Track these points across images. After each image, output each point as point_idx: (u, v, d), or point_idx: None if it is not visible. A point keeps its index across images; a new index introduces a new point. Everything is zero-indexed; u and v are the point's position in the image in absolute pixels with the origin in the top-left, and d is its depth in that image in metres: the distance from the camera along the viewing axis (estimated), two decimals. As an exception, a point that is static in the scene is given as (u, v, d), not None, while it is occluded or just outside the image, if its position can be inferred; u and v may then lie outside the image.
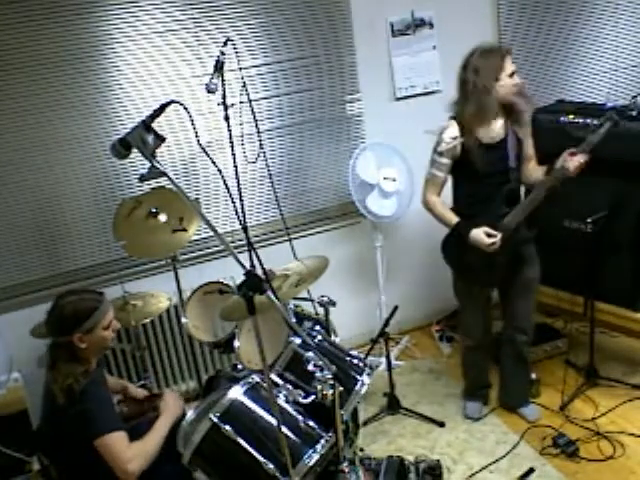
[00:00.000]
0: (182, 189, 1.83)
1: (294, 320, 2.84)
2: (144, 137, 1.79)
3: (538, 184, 2.84)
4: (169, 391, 2.64)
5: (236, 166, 2.97)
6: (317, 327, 2.77)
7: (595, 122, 2.72)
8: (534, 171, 2.95)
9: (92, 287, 3.34)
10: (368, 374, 2.55)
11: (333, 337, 2.99)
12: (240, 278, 1.81)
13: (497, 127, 2.85)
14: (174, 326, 3.57)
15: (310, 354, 2.34)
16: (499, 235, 2.84)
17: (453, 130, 2.85)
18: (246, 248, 2.91)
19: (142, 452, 2.20)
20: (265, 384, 2.07)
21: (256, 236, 3.66)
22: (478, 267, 2.94)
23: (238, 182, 3.00)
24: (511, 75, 2.76)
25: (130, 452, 2.16)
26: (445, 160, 2.89)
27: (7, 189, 3.20)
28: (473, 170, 2.84)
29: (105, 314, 2.28)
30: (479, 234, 2.84)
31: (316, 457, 2.19)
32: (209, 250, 3.62)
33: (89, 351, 2.25)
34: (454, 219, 2.91)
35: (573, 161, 2.70)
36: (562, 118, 3.34)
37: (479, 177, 2.86)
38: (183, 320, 3.04)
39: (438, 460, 2.89)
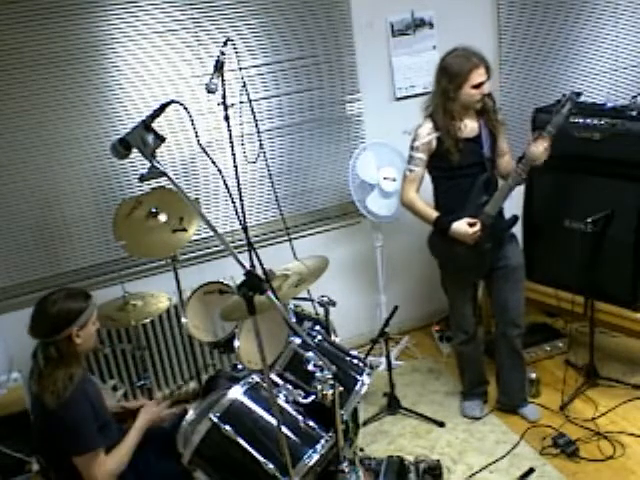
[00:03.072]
0: (182, 189, 1.83)
1: (294, 320, 2.84)
2: (144, 137, 1.79)
3: (512, 173, 2.93)
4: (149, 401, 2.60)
5: (236, 166, 2.98)
6: (317, 327, 2.77)
7: (559, 104, 2.85)
8: (508, 165, 3.08)
9: (92, 287, 3.36)
10: (368, 374, 2.55)
11: (333, 337, 2.99)
12: (240, 278, 1.81)
13: (471, 124, 2.95)
14: (174, 326, 3.57)
15: (310, 354, 2.34)
16: (479, 224, 2.92)
17: (428, 126, 2.96)
18: (246, 248, 2.91)
19: (115, 465, 2.26)
20: (265, 384, 2.07)
21: (256, 236, 3.66)
22: (467, 257, 2.98)
23: (238, 182, 3.00)
24: (477, 86, 2.84)
25: (103, 471, 2.21)
26: (421, 155, 2.98)
27: (7, 189, 3.20)
28: (449, 163, 2.93)
29: (94, 308, 2.31)
30: (461, 226, 2.92)
31: (316, 457, 2.19)
32: (209, 250, 3.62)
33: (82, 347, 2.26)
34: (434, 214, 3.00)
35: (537, 148, 2.82)
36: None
37: (456, 169, 2.94)
38: (183, 320, 3.04)
39: (438, 460, 2.89)
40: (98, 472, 2.21)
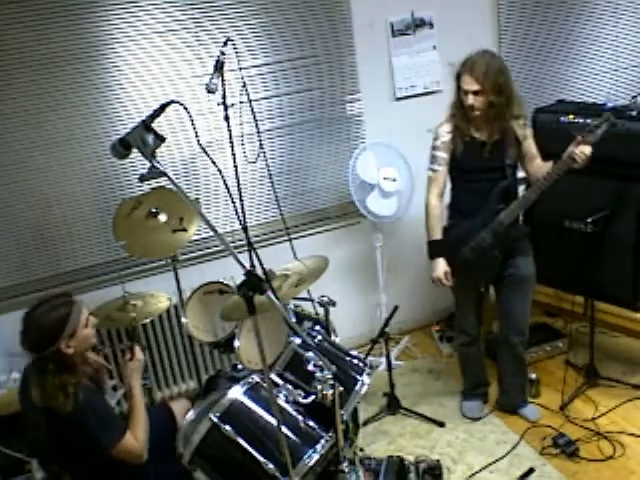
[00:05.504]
0: (182, 189, 1.83)
1: (294, 320, 2.84)
2: (144, 137, 1.79)
3: (536, 181, 2.87)
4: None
5: (236, 166, 2.98)
6: (317, 327, 2.77)
7: (594, 122, 2.74)
8: (539, 168, 2.95)
9: (92, 287, 3.36)
10: (368, 374, 2.55)
11: (333, 337, 2.99)
12: (240, 278, 1.81)
13: (491, 128, 2.89)
14: (174, 326, 3.57)
15: (310, 354, 2.34)
16: (449, 283, 3.00)
17: (447, 125, 2.95)
18: (246, 248, 2.91)
19: (143, 435, 2.29)
20: (265, 384, 2.07)
21: (256, 236, 3.65)
22: (474, 261, 2.97)
23: (238, 182, 3.00)
24: (465, 93, 2.81)
25: (138, 444, 2.25)
26: (442, 154, 2.97)
27: (7, 189, 3.20)
28: (468, 166, 2.92)
29: (80, 314, 2.24)
30: (439, 266, 2.99)
31: (316, 457, 2.19)
32: (209, 250, 3.62)
33: (76, 355, 2.23)
34: (434, 235, 3.02)
35: (578, 151, 2.69)
36: (562, 118, 3.34)
37: (474, 173, 2.92)
38: (183, 320, 3.04)
39: (438, 460, 2.89)
40: (136, 448, 2.24)
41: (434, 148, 2.99)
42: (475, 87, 2.78)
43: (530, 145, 2.97)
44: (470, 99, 2.80)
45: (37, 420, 2.22)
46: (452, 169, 3.02)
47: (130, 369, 2.47)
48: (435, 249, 3.01)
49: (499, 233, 2.90)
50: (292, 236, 3.43)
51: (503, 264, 3.02)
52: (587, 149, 2.69)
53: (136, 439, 2.26)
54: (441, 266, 2.99)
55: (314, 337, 2.63)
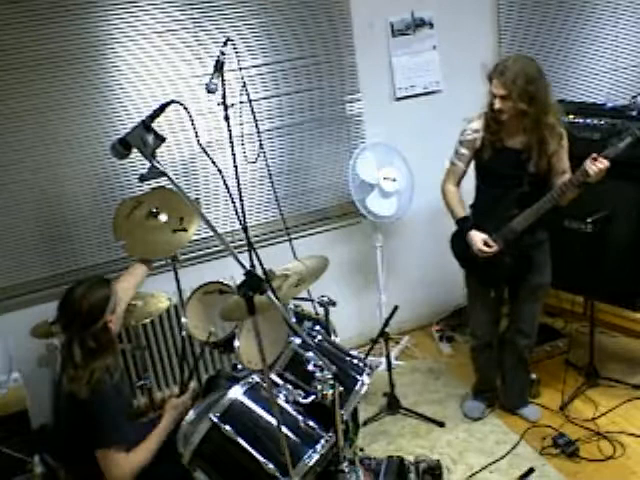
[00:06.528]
0: (182, 189, 1.83)
1: (294, 320, 2.83)
2: (144, 137, 1.79)
3: (552, 190, 2.82)
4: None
5: (236, 166, 2.98)
6: (317, 327, 2.77)
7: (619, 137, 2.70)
8: None
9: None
10: (368, 374, 2.55)
11: (333, 337, 2.99)
12: (240, 278, 1.81)
13: (520, 135, 2.82)
14: (174, 326, 3.57)
15: (310, 354, 2.34)
16: (494, 247, 2.86)
17: (477, 123, 2.89)
18: (246, 248, 2.91)
19: (142, 460, 2.28)
20: (265, 384, 2.07)
21: (256, 236, 3.65)
22: (483, 265, 2.95)
23: (238, 182, 3.00)
24: (493, 96, 2.75)
25: (122, 469, 2.22)
26: (464, 151, 2.94)
27: (7, 189, 3.20)
28: (490, 170, 2.89)
29: (116, 291, 2.34)
30: (476, 237, 2.89)
31: (316, 457, 2.19)
32: (209, 250, 3.62)
33: (115, 332, 2.30)
34: (460, 214, 2.97)
35: (594, 166, 2.65)
36: (562, 118, 3.34)
37: (495, 177, 2.88)
38: (183, 320, 3.04)
39: (438, 460, 2.89)
40: (118, 469, 2.22)
41: (459, 142, 2.95)
42: (502, 92, 2.70)
43: (559, 160, 2.85)
44: (497, 103, 2.73)
45: (57, 407, 2.27)
46: (478, 171, 2.98)
47: (175, 403, 2.52)
48: (465, 224, 2.96)
49: (510, 240, 2.88)
50: (292, 236, 3.43)
51: (519, 269, 2.97)
52: (602, 163, 2.64)
53: (135, 458, 2.25)
54: (477, 237, 2.89)
55: (314, 337, 2.63)
